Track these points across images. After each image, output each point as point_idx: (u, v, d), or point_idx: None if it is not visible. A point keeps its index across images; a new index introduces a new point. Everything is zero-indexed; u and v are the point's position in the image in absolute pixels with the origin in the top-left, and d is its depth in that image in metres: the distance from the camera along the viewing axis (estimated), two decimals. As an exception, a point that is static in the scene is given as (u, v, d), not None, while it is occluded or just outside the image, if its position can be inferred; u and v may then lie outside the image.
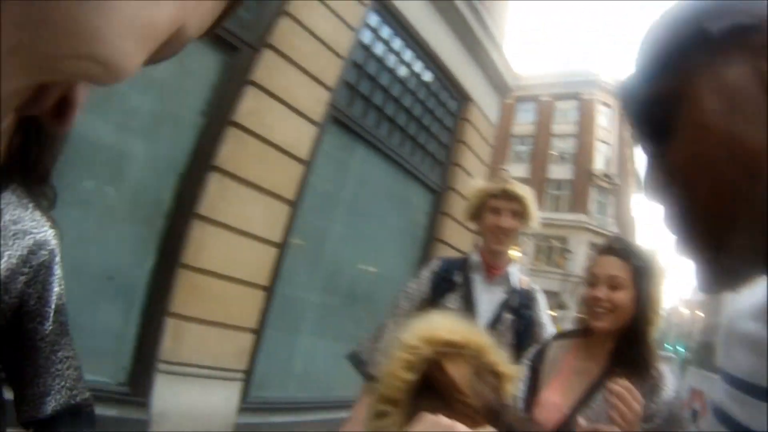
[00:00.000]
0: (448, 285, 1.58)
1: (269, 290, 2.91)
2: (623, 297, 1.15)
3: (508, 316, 1.53)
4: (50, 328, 0.73)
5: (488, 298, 1.58)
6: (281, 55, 2.80)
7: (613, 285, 1.16)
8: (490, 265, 1.61)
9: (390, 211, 4.08)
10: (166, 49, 0.20)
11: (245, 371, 2.80)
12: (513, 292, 1.58)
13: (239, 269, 2.70)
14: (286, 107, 2.86)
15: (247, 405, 2.78)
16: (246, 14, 2.71)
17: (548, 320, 1.62)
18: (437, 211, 4.49)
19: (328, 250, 3.52)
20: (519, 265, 1.73)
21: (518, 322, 1.53)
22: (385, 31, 3.70)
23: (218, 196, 2.58)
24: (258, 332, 2.87)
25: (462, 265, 1.64)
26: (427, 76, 4.28)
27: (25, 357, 0.72)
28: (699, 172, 0.33)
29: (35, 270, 0.71)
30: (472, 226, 1.82)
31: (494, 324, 1.52)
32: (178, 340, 2.46)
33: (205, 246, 2.54)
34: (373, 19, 3.54)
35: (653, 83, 0.36)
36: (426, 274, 1.62)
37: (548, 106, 22.41)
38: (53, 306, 0.73)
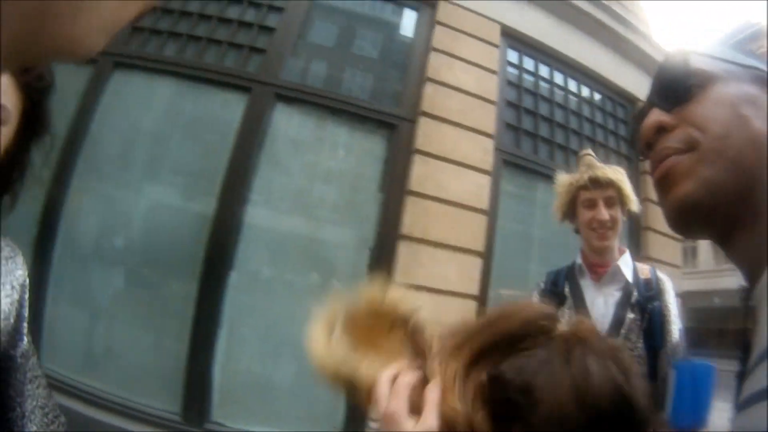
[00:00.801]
0: (557, 299, 1.42)
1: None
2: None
3: (629, 316, 1.34)
4: (25, 345, 0.69)
5: (602, 302, 1.40)
6: (436, 118, 2.88)
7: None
8: (595, 263, 1.45)
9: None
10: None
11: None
12: (630, 286, 1.39)
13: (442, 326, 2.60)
14: (455, 164, 2.87)
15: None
16: (395, 90, 2.94)
17: (677, 314, 1.36)
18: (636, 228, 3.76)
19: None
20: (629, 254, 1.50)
21: (643, 320, 1.33)
22: (528, 63, 3.59)
23: (411, 262, 2.63)
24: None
25: (568, 273, 1.49)
26: (586, 92, 3.90)
27: (6, 378, 0.68)
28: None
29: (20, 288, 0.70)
30: (568, 225, 1.57)
31: (616, 329, 1.33)
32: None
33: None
34: (512, 56, 3.48)
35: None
36: (534, 295, 1.51)
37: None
38: (26, 323, 0.70)
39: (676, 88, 0.47)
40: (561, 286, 1.46)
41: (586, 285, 1.44)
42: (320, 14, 3.13)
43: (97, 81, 2.91)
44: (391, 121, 2.81)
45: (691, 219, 0.44)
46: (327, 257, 2.75)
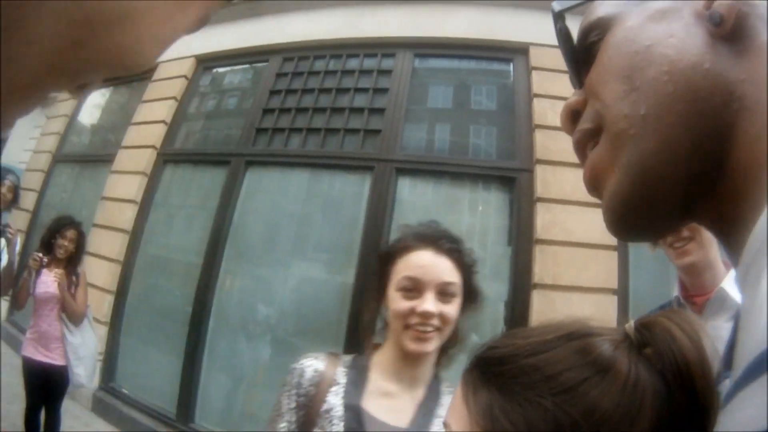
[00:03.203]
0: None
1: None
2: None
3: None
4: None
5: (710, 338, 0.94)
6: (552, 163, 2.91)
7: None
8: (691, 292, 1.13)
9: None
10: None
11: None
12: None
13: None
14: (578, 205, 2.85)
15: None
16: (504, 147, 3.02)
17: None
18: None
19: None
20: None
21: None
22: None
23: (546, 309, 2.64)
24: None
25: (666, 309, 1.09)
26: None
27: None
28: None
29: None
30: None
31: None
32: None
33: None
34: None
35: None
36: None
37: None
38: None
39: (578, 55, 0.36)
40: None
41: None
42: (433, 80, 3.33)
43: (234, 179, 3.32)
44: (509, 175, 2.89)
45: (633, 222, 0.32)
46: (465, 313, 2.83)
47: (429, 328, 0.80)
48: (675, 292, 1.20)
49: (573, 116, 0.36)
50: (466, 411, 0.37)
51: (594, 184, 0.34)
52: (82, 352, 2.52)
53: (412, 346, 0.80)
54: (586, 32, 0.35)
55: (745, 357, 0.21)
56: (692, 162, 0.29)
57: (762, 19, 0.29)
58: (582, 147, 0.35)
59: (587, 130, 0.34)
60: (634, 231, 0.34)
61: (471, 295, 0.86)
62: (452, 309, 0.82)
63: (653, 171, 0.30)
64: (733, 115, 0.27)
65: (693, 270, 1.14)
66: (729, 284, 1.09)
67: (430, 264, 0.83)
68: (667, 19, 0.31)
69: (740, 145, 0.27)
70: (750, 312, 0.22)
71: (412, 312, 0.80)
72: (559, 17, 0.38)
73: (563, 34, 0.37)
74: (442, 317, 0.81)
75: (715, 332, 1.03)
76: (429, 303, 0.80)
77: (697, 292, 1.13)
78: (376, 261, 0.91)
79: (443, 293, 0.82)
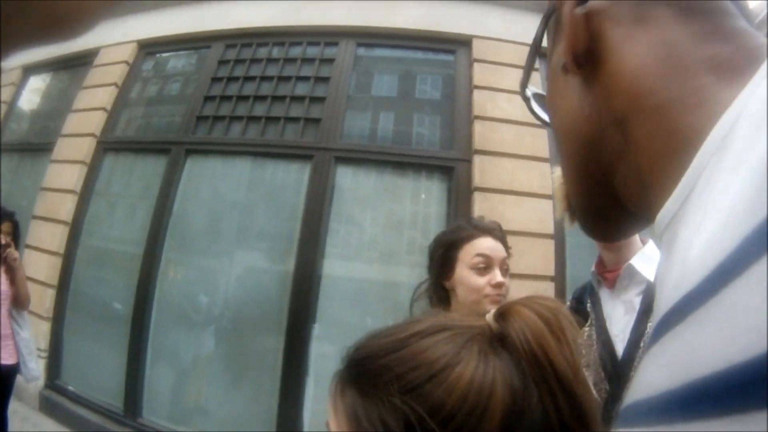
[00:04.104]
0: (582, 318, 1.19)
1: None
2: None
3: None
4: None
5: (622, 313, 1.13)
6: (490, 153, 2.96)
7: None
8: (608, 268, 1.18)
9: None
10: None
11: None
12: (652, 287, 0.98)
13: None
14: (515, 195, 2.92)
15: None
16: (446, 137, 3.05)
17: None
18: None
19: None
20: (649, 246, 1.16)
21: None
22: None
23: None
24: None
25: (590, 286, 1.25)
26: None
27: None
28: None
29: None
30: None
31: (634, 347, 1.06)
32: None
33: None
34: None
35: None
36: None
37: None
38: None
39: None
40: (585, 302, 1.23)
41: (604, 295, 1.20)
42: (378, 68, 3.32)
43: (174, 167, 3.25)
44: (449, 165, 2.93)
45: (587, 227, 0.36)
46: (404, 300, 2.85)
47: (501, 295, 1.02)
48: (593, 267, 1.24)
49: None
50: (334, 411, 0.38)
51: None
52: (32, 345, 2.45)
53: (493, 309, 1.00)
54: None
55: (655, 318, 0.23)
56: (602, 186, 0.31)
57: (613, 21, 0.29)
58: None
59: None
60: (597, 233, 0.37)
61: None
62: (508, 282, 1.05)
63: (578, 200, 0.35)
64: (621, 133, 0.28)
65: (611, 246, 1.19)
66: (637, 260, 1.14)
67: (494, 247, 1.05)
68: (559, 92, 0.33)
69: (638, 148, 0.28)
70: (661, 280, 0.24)
71: (487, 284, 1.01)
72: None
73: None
74: (505, 287, 1.03)
75: (629, 306, 1.13)
76: (500, 276, 1.03)
77: (612, 267, 1.18)
78: (436, 248, 1.12)
79: (504, 269, 1.05)
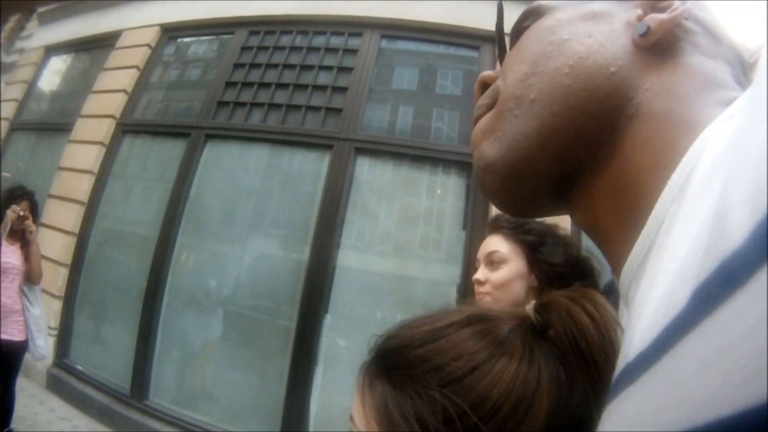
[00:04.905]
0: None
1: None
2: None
3: None
4: None
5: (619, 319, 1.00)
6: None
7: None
8: None
9: None
10: None
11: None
12: None
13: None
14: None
15: None
16: (465, 132, 3.04)
17: None
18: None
19: None
20: None
21: None
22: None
23: None
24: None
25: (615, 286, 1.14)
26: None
27: None
28: None
29: None
30: None
31: None
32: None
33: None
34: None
35: None
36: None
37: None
38: None
39: (512, 35, 0.37)
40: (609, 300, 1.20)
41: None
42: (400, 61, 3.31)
43: (192, 152, 3.25)
44: (468, 160, 2.91)
45: (499, 190, 0.34)
46: (416, 295, 2.86)
47: (483, 292, 0.97)
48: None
49: (483, 88, 0.37)
50: (362, 404, 0.35)
51: (473, 152, 0.35)
52: (42, 323, 2.45)
53: None
54: (524, 16, 0.36)
55: (619, 365, 0.23)
56: (570, 153, 0.30)
57: (696, 47, 0.30)
58: (477, 119, 0.36)
59: (485, 104, 0.35)
60: (496, 195, 0.34)
61: (539, 263, 0.96)
62: (501, 273, 0.96)
63: (522, 150, 0.31)
64: (626, 120, 0.28)
65: None
66: None
67: (485, 244, 1.02)
68: (595, 21, 0.31)
69: (626, 150, 0.28)
70: (628, 328, 0.24)
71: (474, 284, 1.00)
72: None
73: (499, 11, 0.40)
74: (490, 283, 0.96)
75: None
76: (479, 272, 0.99)
77: None
78: None
79: (490, 262, 0.98)
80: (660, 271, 0.21)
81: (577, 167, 0.30)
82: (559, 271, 0.95)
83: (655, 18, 0.29)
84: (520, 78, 0.32)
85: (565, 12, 0.33)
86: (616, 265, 0.29)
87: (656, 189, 0.24)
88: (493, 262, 0.99)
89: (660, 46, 0.29)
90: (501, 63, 0.37)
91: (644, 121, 0.28)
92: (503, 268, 0.97)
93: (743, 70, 0.31)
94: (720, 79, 0.29)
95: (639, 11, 0.30)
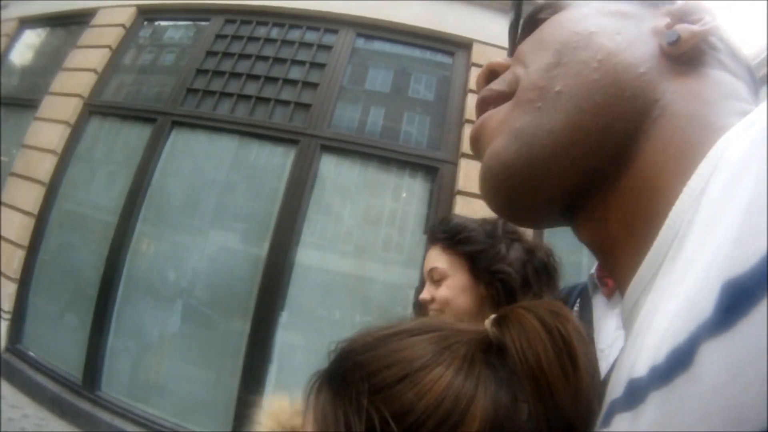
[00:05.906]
0: None
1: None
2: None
3: None
4: None
5: (613, 326, 0.97)
6: (475, 158, 2.95)
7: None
8: (604, 273, 1.02)
9: None
10: None
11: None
12: None
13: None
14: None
15: None
16: (434, 137, 3.03)
17: None
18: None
19: None
20: None
21: None
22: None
23: None
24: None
25: (583, 288, 1.07)
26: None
27: None
28: None
29: None
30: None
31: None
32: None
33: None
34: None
35: None
36: None
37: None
38: None
39: (525, 25, 0.35)
40: (572, 304, 1.08)
41: (598, 303, 1.04)
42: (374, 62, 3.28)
43: (158, 138, 3.18)
44: (434, 165, 2.90)
45: (508, 190, 0.30)
46: (375, 296, 2.84)
47: (433, 310, 0.90)
48: (593, 269, 1.12)
49: (491, 76, 0.35)
50: (306, 409, 0.36)
51: (478, 143, 0.33)
52: None
53: None
54: (540, 8, 0.34)
55: (608, 396, 0.23)
56: (591, 155, 0.28)
57: (719, 63, 0.30)
58: (484, 105, 0.33)
59: (498, 91, 0.33)
60: (509, 202, 0.31)
61: (484, 273, 0.88)
62: (443, 291, 0.90)
63: (544, 148, 0.28)
64: (650, 122, 0.27)
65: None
66: None
67: (426, 257, 0.95)
68: (624, 20, 0.30)
69: (647, 154, 0.27)
70: (628, 343, 0.23)
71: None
72: None
73: (516, 3, 0.37)
74: (437, 301, 0.90)
75: (620, 321, 0.97)
76: (424, 291, 0.92)
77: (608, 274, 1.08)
78: None
79: (432, 279, 0.92)
80: (673, 283, 0.20)
81: (593, 177, 0.28)
82: (516, 277, 0.87)
83: (686, 28, 0.29)
84: (543, 67, 0.30)
85: (590, 6, 0.32)
86: (622, 281, 0.27)
87: (673, 194, 0.23)
88: (434, 279, 0.92)
89: (686, 56, 0.29)
90: (511, 55, 0.36)
91: (668, 122, 0.27)
92: (444, 285, 0.91)
93: (756, 90, 0.31)
94: (740, 93, 0.29)
95: (668, 20, 0.30)
